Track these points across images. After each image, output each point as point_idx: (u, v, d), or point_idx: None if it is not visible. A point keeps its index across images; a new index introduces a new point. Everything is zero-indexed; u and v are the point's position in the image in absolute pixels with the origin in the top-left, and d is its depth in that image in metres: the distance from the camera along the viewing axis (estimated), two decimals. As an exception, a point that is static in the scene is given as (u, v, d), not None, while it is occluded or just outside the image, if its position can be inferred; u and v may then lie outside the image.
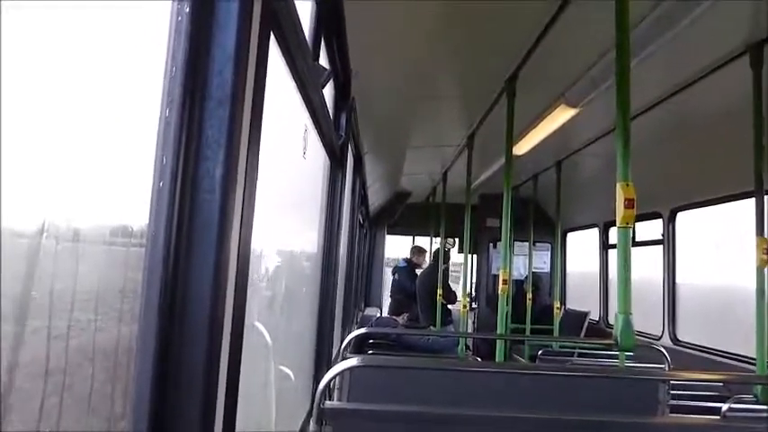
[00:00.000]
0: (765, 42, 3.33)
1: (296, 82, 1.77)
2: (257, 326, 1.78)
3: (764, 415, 3.27)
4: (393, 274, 10.11)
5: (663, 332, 5.95)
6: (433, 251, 9.15)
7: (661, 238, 6.11)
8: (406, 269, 9.63)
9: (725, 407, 3.09)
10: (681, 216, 5.93)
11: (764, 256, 3.43)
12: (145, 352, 0.83)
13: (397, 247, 11.84)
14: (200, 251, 0.86)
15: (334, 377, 1.92)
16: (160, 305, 0.83)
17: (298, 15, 1.42)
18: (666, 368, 4.07)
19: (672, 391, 2.84)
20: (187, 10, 0.82)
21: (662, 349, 4.23)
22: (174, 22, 0.83)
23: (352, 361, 2.03)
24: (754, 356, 3.54)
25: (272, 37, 1.19)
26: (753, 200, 3.59)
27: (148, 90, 0.85)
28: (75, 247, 0.76)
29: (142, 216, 0.85)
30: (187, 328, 0.85)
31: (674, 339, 5.83)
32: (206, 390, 0.88)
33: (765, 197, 3.60)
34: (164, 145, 0.83)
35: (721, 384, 3.87)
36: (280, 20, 1.26)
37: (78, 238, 0.76)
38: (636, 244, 6.28)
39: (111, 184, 0.83)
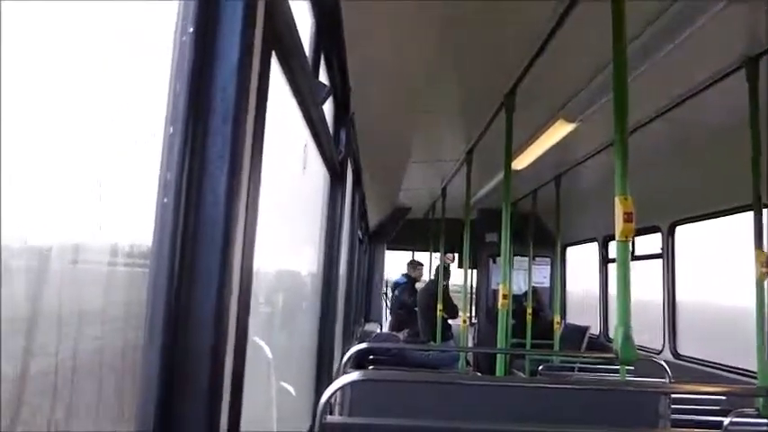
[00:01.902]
0: (761, 57, 3.36)
1: (296, 98, 1.78)
2: (258, 342, 1.79)
3: (766, 429, 3.26)
4: (393, 290, 10.10)
5: (663, 346, 5.94)
6: (435, 267, 9.15)
7: (660, 251, 6.12)
8: (405, 285, 9.63)
9: (726, 420, 3.08)
10: (681, 230, 5.94)
11: (763, 269, 3.44)
12: (149, 367, 0.83)
13: (395, 266, 11.83)
14: (205, 266, 0.86)
15: (335, 392, 1.92)
16: (165, 320, 0.83)
17: (299, 34, 1.44)
18: (667, 382, 4.06)
19: (673, 405, 2.84)
20: (191, 30, 0.84)
21: (663, 363, 4.22)
22: (178, 41, 0.85)
23: (353, 375, 2.03)
24: (755, 370, 3.54)
25: (274, 55, 1.21)
26: (751, 213, 3.60)
27: (152, 107, 0.86)
28: (80, 265, 0.76)
29: (147, 232, 0.86)
30: (191, 344, 0.86)
31: (675, 353, 5.82)
32: (210, 406, 0.88)
33: (764, 210, 3.61)
34: (168, 161, 0.84)
35: (723, 398, 3.86)
36: (281, 38, 1.28)
37: (83, 255, 0.77)
38: (635, 258, 6.29)
39: (115, 201, 0.84)
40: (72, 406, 0.75)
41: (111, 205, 0.83)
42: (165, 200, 0.83)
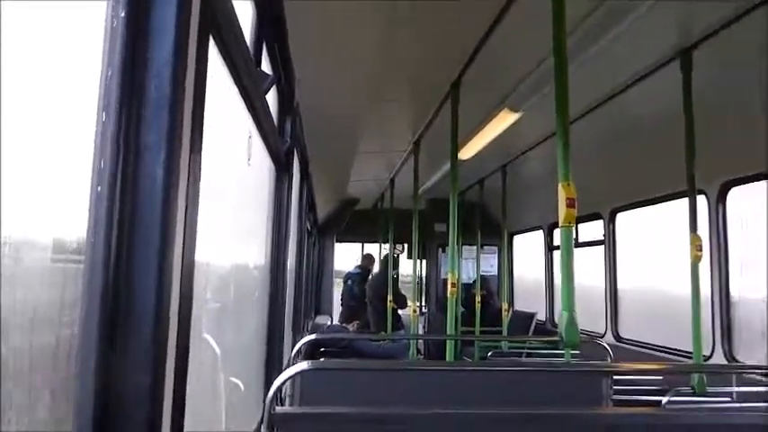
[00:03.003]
0: (693, 48, 3.47)
1: (238, 88, 1.76)
2: (206, 337, 1.76)
3: (701, 405, 3.40)
4: (345, 281, 10.09)
5: (606, 330, 6.11)
6: (381, 257, 9.18)
7: (602, 238, 6.28)
8: (359, 275, 9.62)
9: (665, 399, 3.20)
10: (624, 216, 6.10)
11: (698, 252, 3.57)
12: (85, 368, 0.81)
13: (346, 259, 11.82)
14: (142, 255, 0.84)
15: (284, 382, 1.91)
16: (101, 314, 0.81)
17: (238, 20, 1.42)
18: (609, 363, 4.18)
19: (616, 387, 2.92)
20: (122, 14, 0.82)
21: (605, 345, 4.35)
22: (108, 25, 0.82)
23: (302, 365, 2.02)
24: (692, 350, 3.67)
25: (213, 42, 1.19)
26: (686, 199, 3.73)
27: (83, 93, 0.84)
28: (10, 257, 0.74)
29: (80, 222, 0.83)
30: (130, 341, 0.84)
31: (617, 336, 5.99)
32: (152, 402, 0.86)
33: (698, 196, 3.74)
34: (101, 149, 0.82)
35: (662, 378, 4.00)
36: (219, 24, 1.25)
37: (13, 248, 0.75)
38: (579, 245, 6.44)
39: (46, 190, 0.82)
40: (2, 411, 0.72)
41: (42, 196, 0.80)
42: (99, 188, 0.81)
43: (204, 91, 1.04)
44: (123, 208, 0.83)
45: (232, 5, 1.31)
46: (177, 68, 0.87)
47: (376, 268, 9.75)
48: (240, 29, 1.46)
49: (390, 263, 8.40)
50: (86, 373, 0.80)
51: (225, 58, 1.47)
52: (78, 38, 0.87)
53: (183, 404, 1.02)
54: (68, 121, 0.86)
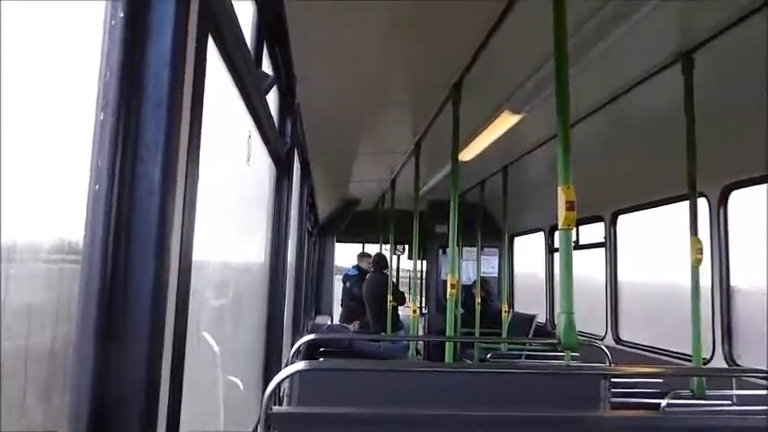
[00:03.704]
0: (694, 51, 3.47)
1: (238, 88, 1.76)
2: (204, 336, 1.76)
3: (700, 409, 3.39)
4: (344, 282, 10.09)
5: (606, 332, 6.11)
6: (374, 258, 9.16)
7: (603, 240, 6.28)
8: (356, 276, 9.62)
9: (663, 402, 3.19)
10: (625, 219, 6.09)
11: (698, 256, 3.56)
12: (82, 364, 0.81)
13: (347, 256, 11.82)
14: (140, 254, 0.85)
15: (282, 381, 1.91)
16: (98, 313, 0.82)
17: (238, 21, 1.42)
18: (607, 365, 4.18)
19: (614, 389, 2.92)
20: (121, 14, 0.82)
21: (604, 348, 4.34)
22: (107, 25, 0.83)
23: (300, 365, 2.02)
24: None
25: (212, 42, 1.19)
26: (687, 202, 3.72)
27: (82, 92, 0.84)
28: (9, 257, 0.74)
29: (78, 221, 0.83)
30: (126, 340, 0.84)
31: (617, 339, 5.99)
32: (147, 405, 0.86)
33: (698, 199, 3.74)
34: (99, 148, 0.82)
35: (661, 381, 3.99)
36: (219, 24, 1.26)
37: (12, 248, 0.75)
38: (579, 247, 6.44)
39: (44, 189, 0.82)
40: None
41: (39, 195, 0.80)
42: (97, 187, 0.81)
43: (203, 91, 1.04)
44: (120, 207, 0.83)
45: (232, 6, 1.31)
46: (176, 68, 0.88)
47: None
48: (240, 29, 1.47)
49: (390, 262, 8.40)
50: (83, 372, 0.81)
51: (225, 59, 1.47)
52: (77, 37, 0.87)
53: (180, 402, 1.02)
54: (67, 120, 0.86)
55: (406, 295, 8.59)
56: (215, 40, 1.27)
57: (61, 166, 0.86)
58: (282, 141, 3.02)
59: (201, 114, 1.04)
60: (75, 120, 0.87)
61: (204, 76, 1.05)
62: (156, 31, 0.86)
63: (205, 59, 1.07)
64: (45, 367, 0.85)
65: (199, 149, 1.04)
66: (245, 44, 1.60)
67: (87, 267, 0.82)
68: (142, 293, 0.85)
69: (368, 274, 9.25)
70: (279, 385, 1.88)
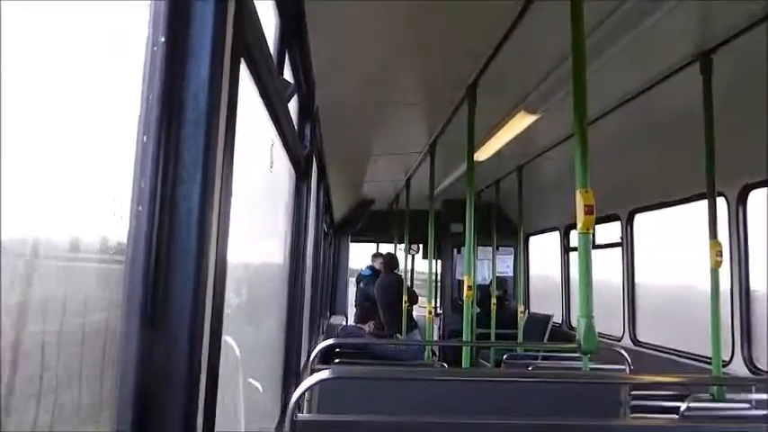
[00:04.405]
0: (713, 51, 3.45)
1: (262, 98, 1.79)
2: (227, 340, 1.79)
3: (720, 413, 3.38)
4: (358, 283, 10.11)
5: (623, 333, 6.09)
6: (384, 258, 9.17)
7: (620, 240, 6.25)
8: (370, 277, 9.65)
9: (683, 406, 3.19)
10: (642, 218, 6.06)
11: (718, 258, 3.54)
12: (126, 367, 0.84)
13: (360, 258, 11.86)
14: (180, 273, 0.87)
15: (306, 390, 1.93)
16: (140, 328, 0.84)
17: (265, 38, 1.45)
18: (627, 370, 4.17)
19: (633, 392, 2.92)
20: (162, 39, 0.84)
21: (623, 351, 4.33)
22: (149, 50, 0.85)
23: (324, 373, 2.04)
24: (710, 355, 3.65)
25: (242, 60, 1.21)
26: (706, 201, 3.71)
27: (125, 116, 0.87)
28: (58, 265, 0.77)
29: (121, 239, 0.86)
30: (169, 342, 0.87)
31: (635, 341, 5.97)
32: (187, 403, 0.89)
33: (717, 200, 3.72)
34: (141, 170, 0.84)
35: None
36: (249, 44, 1.28)
37: (59, 256, 0.78)
38: (596, 247, 6.42)
39: (89, 210, 0.84)
40: (55, 404, 0.76)
41: (86, 215, 0.83)
42: (140, 208, 0.84)
43: (236, 110, 1.06)
44: (162, 227, 0.86)
45: (261, 26, 1.34)
46: (213, 90, 0.90)
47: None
48: (267, 46, 1.49)
49: (405, 262, 8.41)
50: (128, 371, 0.84)
51: (252, 72, 1.49)
52: (120, 63, 0.90)
53: (215, 402, 1.05)
54: (111, 142, 0.89)
55: (420, 297, 8.61)
56: (245, 60, 1.29)
57: (106, 184, 0.89)
58: (302, 146, 3.05)
59: (235, 132, 1.07)
60: (119, 142, 0.89)
61: (237, 95, 1.07)
62: (195, 54, 0.89)
63: (238, 79, 1.09)
64: (97, 364, 0.88)
65: (232, 166, 1.07)
66: (271, 57, 1.63)
67: (129, 282, 0.85)
68: (182, 311, 0.88)
69: (379, 276, 9.28)
70: (303, 393, 1.91)
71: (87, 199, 0.84)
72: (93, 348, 0.87)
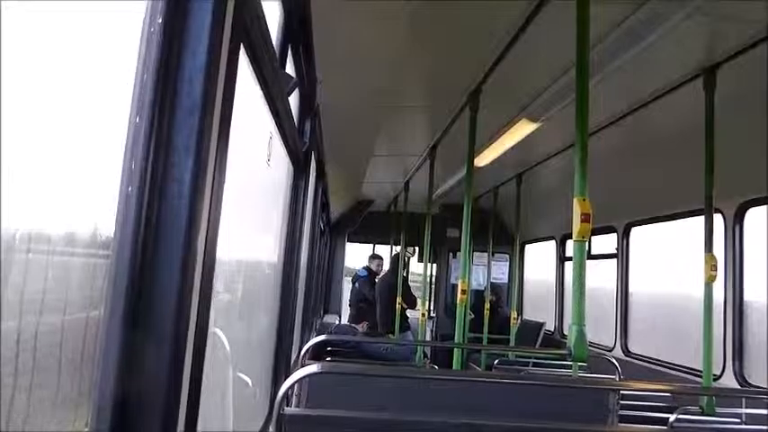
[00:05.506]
0: (717, 67, 3.45)
1: (262, 89, 1.78)
2: (216, 332, 1.78)
3: (708, 426, 3.38)
4: (353, 283, 10.10)
5: (615, 344, 6.09)
6: (391, 257, 9.19)
7: (615, 251, 6.25)
8: (366, 278, 9.63)
9: (672, 417, 3.18)
10: (638, 231, 6.07)
11: (712, 272, 3.54)
12: (108, 356, 0.83)
13: (356, 258, 11.84)
14: (167, 256, 0.86)
15: (294, 384, 1.93)
16: (125, 309, 0.83)
17: (267, 26, 1.44)
18: (617, 378, 4.17)
19: (622, 401, 2.91)
20: (160, 20, 0.84)
21: (613, 360, 4.33)
22: (146, 31, 0.84)
23: (313, 368, 2.04)
24: (701, 368, 3.65)
25: (242, 47, 1.21)
26: (703, 217, 3.70)
27: (118, 96, 0.86)
28: (40, 252, 0.76)
29: (108, 220, 0.85)
30: (152, 333, 0.86)
31: (626, 351, 5.97)
32: (168, 395, 0.88)
33: (714, 215, 3.72)
34: (132, 151, 0.84)
35: (669, 395, 3.98)
36: (249, 31, 1.27)
37: (43, 243, 0.77)
38: (591, 257, 6.42)
39: (77, 189, 0.84)
40: (31, 397, 0.74)
41: (73, 194, 0.82)
42: (130, 189, 0.83)
43: (233, 96, 1.06)
44: (151, 209, 0.85)
45: (263, 14, 1.33)
46: (209, 76, 0.89)
47: (383, 268, 9.73)
48: (269, 36, 1.48)
49: (401, 262, 8.41)
50: (108, 364, 0.83)
51: (251, 61, 1.49)
52: (115, 42, 0.89)
53: (198, 399, 1.04)
54: (102, 121, 0.88)
55: (417, 300, 8.60)
56: (245, 47, 1.29)
57: (97, 166, 0.88)
58: (301, 142, 3.04)
59: (230, 119, 1.06)
60: (110, 121, 0.88)
61: (235, 83, 1.07)
62: (192, 37, 0.88)
63: (236, 67, 1.09)
64: (76, 359, 0.87)
65: (226, 154, 1.06)
66: (273, 48, 1.62)
67: (115, 265, 0.84)
68: (169, 292, 0.87)
69: (382, 273, 9.28)
70: (291, 387, 1.90)
71: (72, 184, 0.83)
72: (72, 344, 0.86)
